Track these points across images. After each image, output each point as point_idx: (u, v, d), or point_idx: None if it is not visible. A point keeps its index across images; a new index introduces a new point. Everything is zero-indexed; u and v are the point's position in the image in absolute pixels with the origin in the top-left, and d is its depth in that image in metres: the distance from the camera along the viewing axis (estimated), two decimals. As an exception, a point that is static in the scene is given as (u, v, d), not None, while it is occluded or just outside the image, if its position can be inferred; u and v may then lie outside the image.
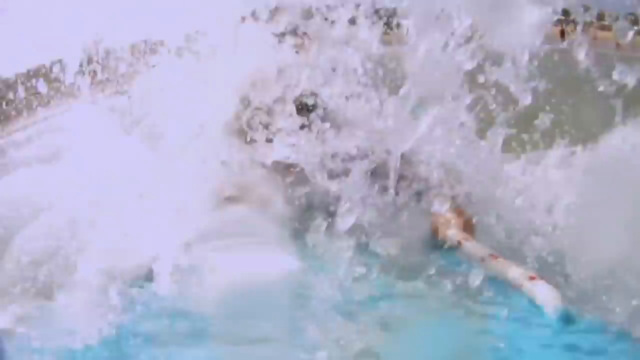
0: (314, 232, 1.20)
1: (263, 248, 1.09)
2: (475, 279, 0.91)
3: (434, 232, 1.27)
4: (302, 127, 1.44)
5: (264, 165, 1.45)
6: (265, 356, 0.68)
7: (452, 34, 1.32)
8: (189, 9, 1.64)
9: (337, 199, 1.32)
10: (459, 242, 1.12)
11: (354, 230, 1.23)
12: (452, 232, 1.19)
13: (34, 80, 1.76)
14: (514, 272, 0.85)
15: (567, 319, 0.69)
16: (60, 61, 1.64)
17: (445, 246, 1.19)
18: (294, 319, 0.74)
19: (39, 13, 1.74)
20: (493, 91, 1.36)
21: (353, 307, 0.72)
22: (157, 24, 1.71)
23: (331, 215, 1.31)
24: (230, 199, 1.40)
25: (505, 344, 0.62)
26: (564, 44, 1.34)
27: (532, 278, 0.80)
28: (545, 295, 0.76)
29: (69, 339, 0.67)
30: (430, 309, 0.76)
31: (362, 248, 1.13)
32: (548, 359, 0.60)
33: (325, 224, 1.25)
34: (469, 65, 1.33)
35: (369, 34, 1.50)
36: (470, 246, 1.06)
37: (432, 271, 0.99)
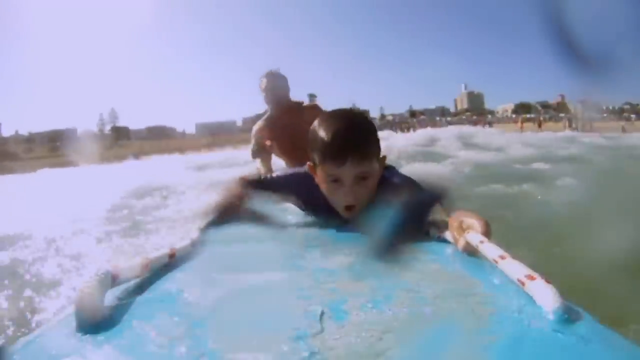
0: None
1: None
2: (482, 280, 0.86)
3: (454, 237, 1.20)
4: None
5: None
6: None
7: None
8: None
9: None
10: (476, 246, 1.04)
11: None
12: (472, 235, 1.10)
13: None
14: (515, 271, 0.77)
15: (566, 320, 0.63)
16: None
17: (464, 249, 1.12)
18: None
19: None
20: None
21: (351, 306, 0.73)
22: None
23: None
24: None
25: (504, 344, 0.59)
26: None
27: (531, 277, 0.73)
28: (545, 295, 0.69)
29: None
30: (430, 309, 0.73)
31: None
32: None
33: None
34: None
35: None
36: (487, 248, 0.98)
37: (431, 271, 0.95)
